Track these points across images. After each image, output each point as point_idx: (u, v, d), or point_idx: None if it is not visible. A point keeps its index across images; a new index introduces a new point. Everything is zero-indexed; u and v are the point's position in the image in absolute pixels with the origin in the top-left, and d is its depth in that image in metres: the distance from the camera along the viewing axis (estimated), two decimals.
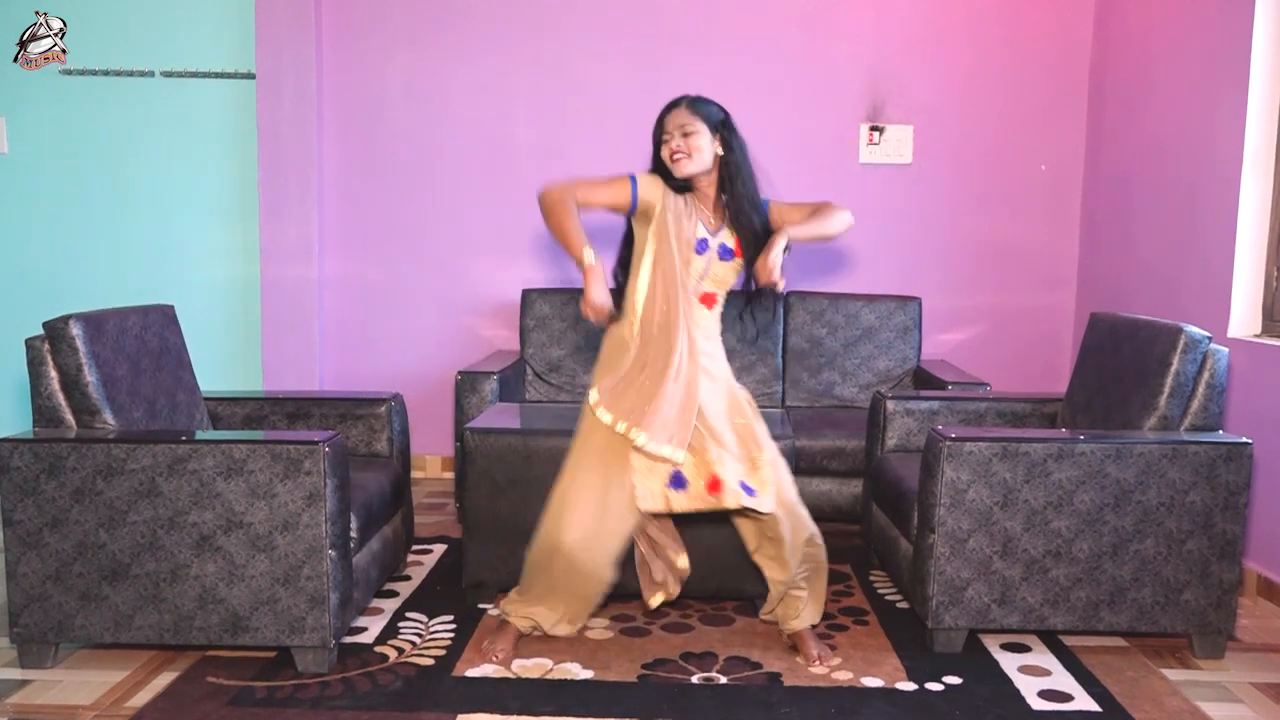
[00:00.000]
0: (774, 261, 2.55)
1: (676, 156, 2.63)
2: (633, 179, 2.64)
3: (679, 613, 3.13)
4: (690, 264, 2.66)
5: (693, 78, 4.68)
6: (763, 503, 2.62)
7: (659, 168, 2.70)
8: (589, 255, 2.54)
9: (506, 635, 2.84)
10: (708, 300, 2.72)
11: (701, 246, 2.67)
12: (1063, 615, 2.82)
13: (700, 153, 2.64)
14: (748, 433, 2.69)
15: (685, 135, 2.63)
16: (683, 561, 2.88)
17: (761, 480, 2.64)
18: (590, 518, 2.64)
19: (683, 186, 2.68)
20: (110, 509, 2.61)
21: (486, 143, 4.82)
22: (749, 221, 2.69)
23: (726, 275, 2.73)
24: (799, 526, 2.76)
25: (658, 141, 2.69)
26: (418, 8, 4.76)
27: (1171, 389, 2.88)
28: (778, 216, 2.73)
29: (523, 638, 2.89)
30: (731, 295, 2.80)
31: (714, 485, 2.59)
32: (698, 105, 2.69)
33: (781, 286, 2.60)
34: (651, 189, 2.65)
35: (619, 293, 2.72)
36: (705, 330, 2.71)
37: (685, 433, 2.55)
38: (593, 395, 2.63)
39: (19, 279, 4.82)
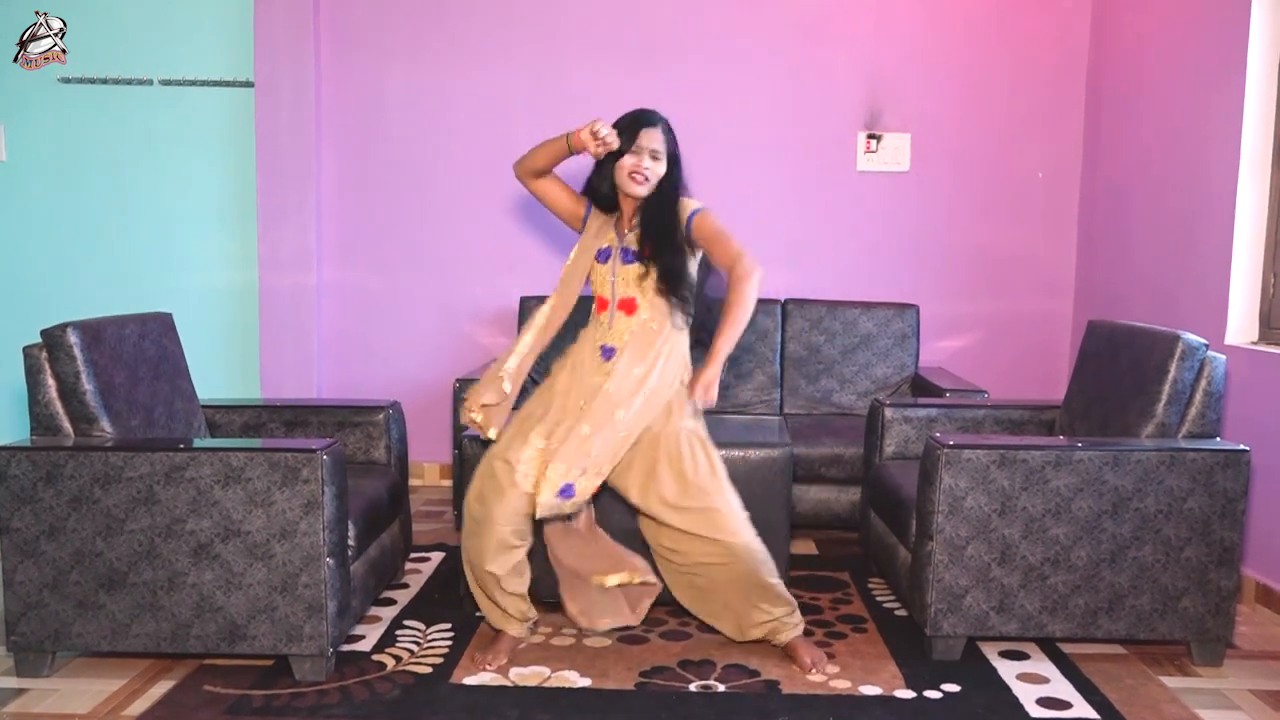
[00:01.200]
0: (710, 380, 2.62)
1: (637, 177, 2.68)
2: (589, 204, 2.80)
3: (677, 621, 3.13)
4: (586, 272, 2.77)
5: (690, 86, 4.70)
6: (561, 505, 2.63)
7: (598, 175, 2.77)
8: (580, 131, 2.64)
9: (500, 644, 2.84)
10: (626, 306, 2.74)
11: (603, 255, 2.76)
12: (1061, 623, 2.82)
13: (655, 178, 2.71)
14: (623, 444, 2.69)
15: (654, 159, 2.69)
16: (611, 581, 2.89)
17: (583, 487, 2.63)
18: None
19: (608, 206, 2.78)
20: (108, 517, 2.61)
21: (485, 151, 4.83)
22: (657, 215, 2.72)
23: (634, 277, 2.74)
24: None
25: (618, 150, 2.68)
26: (416, 16, 4.77)
27: (1169, 396, 2.88)
28: (699, 231, 2.71)
29: (519, 644, 2.88)
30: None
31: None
32: (669, 130, 2.74)
33: (713, 403, 2.66)
34: (592, 220, 2.82)
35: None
36: (629, 336, 2.72)
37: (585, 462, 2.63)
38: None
39: (17, 287, 4.82)
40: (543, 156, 2.78)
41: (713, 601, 2.86)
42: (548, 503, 2.60)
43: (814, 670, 2.76)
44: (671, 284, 2.70)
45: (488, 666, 2.77)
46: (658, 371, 2.71)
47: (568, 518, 2.86)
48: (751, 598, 2.78)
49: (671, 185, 2.75)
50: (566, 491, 2.60)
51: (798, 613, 2.86)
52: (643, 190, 2.70)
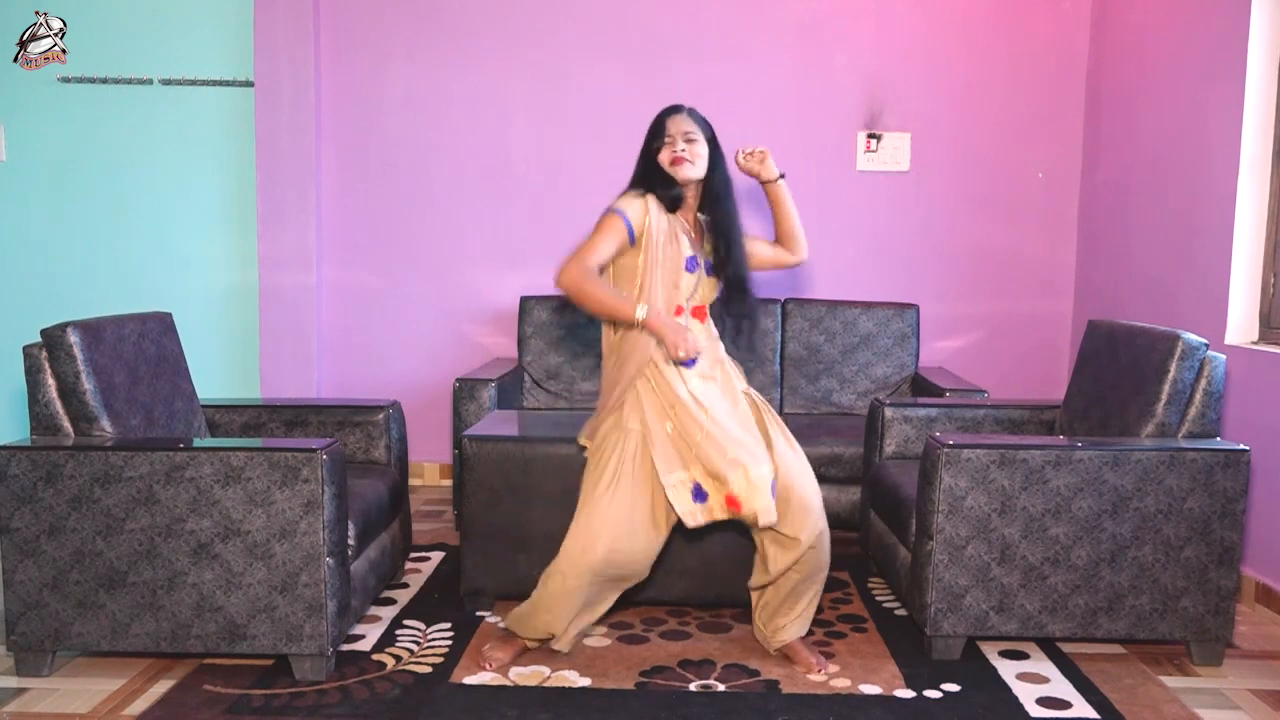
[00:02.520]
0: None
1: (680, 161, 2.64)
2: (620, 215, 2.62)
3: (677, 620, 3.13)
4: (680, 283, 2.69)
5: (690, 86, 4.70)
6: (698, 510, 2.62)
7: (646, 174, 2.70)
8: (640, 311, 2.55)
9: (510, 646, 2.83)
10: (700, 314, 2.76)
11: (691, 264, 2.70)
12: (1061, 622, 2.82)
13: (701, 160, 2.67)
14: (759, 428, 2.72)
15: (689, 141, 2.65)
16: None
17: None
18: (620, 535, 2.62)
19: (673, 202, 2.69)
20: (108, 517, 2.61)
21: (484, 150, 4.83)
22: (726, 230, 2.73)
23: (712, 290, 2.78)
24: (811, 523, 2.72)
25: (653, 146, 2.69)
26: (416, 16, 4.77)
27: (1169, 396, 2.88)
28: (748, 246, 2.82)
29: (526, 651, 2.87)
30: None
31: (731, 503, 2.58)
32: (697, 115, 2.73)
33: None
34: (637, 214, 2.64)
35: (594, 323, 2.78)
36: (704, 343, 2.72)
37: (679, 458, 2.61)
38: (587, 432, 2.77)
39: (17, 286, 4.82)
40: (596, 306, 2.60)
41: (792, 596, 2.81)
42: (691, 510, 2.60)
43: (820, 671, 2.76)
44: (741, 299, 2.80)
45: (490, 665, 2.76)
46: (722, 356, 2.79)
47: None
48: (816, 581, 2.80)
49: (728, 190, 2.75)
50: (699, 494, 2.61)
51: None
52: (692, 172, 2.65)
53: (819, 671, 2.76)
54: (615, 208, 2.64)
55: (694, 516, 2.60)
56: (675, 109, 2.71)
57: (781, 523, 2.62)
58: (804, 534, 2.65)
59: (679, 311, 2.71)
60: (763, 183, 2.79)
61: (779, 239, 2.88)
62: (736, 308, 2.81)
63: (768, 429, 2.72)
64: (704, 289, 2.75)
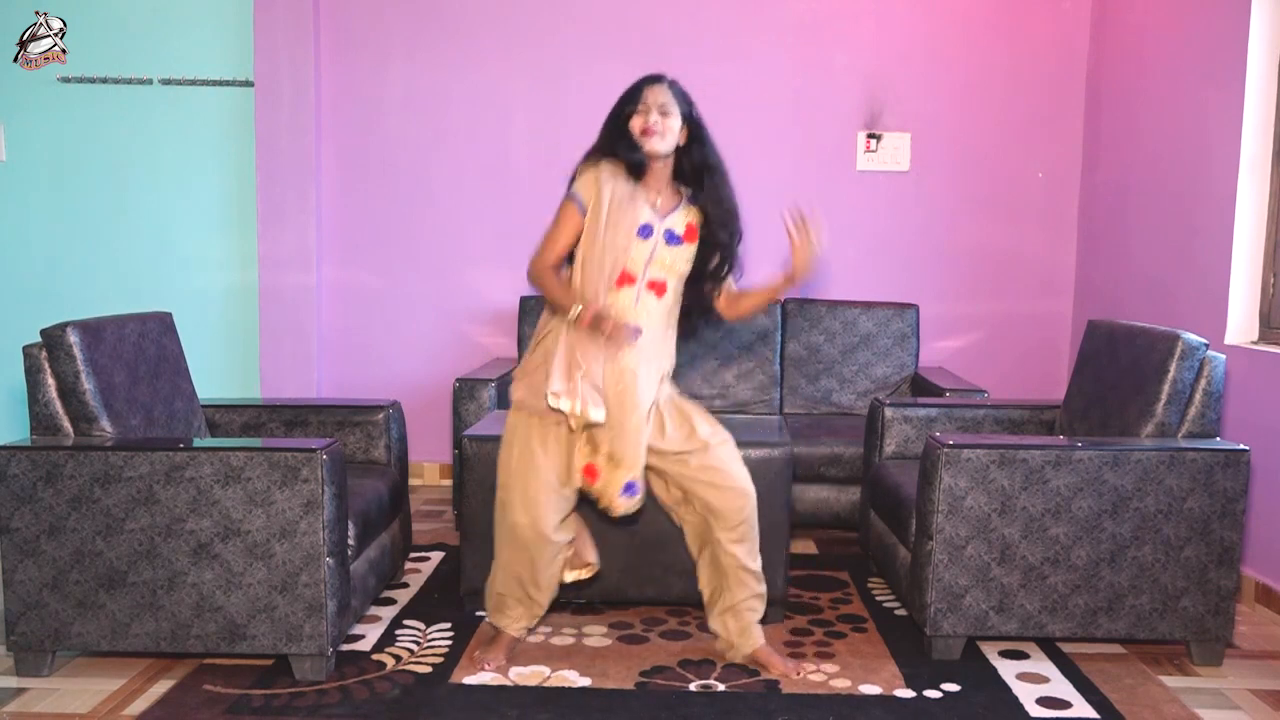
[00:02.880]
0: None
1: (650, 133, 2.59)
2: (574, 200, 2.62)
3: (677, 620, 3.13)
4: (629, 249, 2.61)
5: (690, 86, 4.65)
6: (632, 504, 2.63)
7: (611, 137, 2.65)
8: (574, 310, 2.55)
9: (499, 644, 2.83)
10: (656, 288, 2.66)
11: (645, 231, 2.63)
12: (1061, 622, 2.82)
13: (671, 134, 2.62)
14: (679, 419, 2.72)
15: (663, 114, 2.60)
16: (591, 557, 2.91)
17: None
18: (534, 498, 2.65)
19: (636, 168, 2.63)
20: (107, 517, 2.61)
21: (484, 151, 4.83)
22: (721, 197, 2.69)
23: (675, 261, 2.67)
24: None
25: (624, 112, 2.63)
26: (416, 17, 4.77)
27: (1169, 396, 2.88)
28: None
29: (518, 644, 2.88)
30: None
31: (589, 472, 2.63)
32: (677, 88, 2.67)
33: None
34: (587, 188, 2.62)
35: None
36: (653, 319, 2.66)
37: (581, 394, 2.56)
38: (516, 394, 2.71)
39: (17, 286, 4.82)
40: (548, 298, 2.69)
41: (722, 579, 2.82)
42: (623, 503, 2.62)
43: (798, 674, 2.74)
44: (722, 272, 2.75)
45: (487, 666, 2.77)
46: (670, 348, 2.75)
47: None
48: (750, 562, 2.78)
49: (716, 162, 2.70)
50: (631, 489, 2.62)
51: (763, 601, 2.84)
52: (660, 145, 2.60)
53: (798, 674, 2.74)
54: (571, 192, 2.65)
55: (627, 507, 2.64)
56: (656, 78, 2.67)
57: (721, 501, 2.69)
58: (736, 509, 2.70)
59: (630, 280, 2.63)
60: (786, 276, 2.74)
61: (731, 307, 2.85)
62: (719, 268, 2.74)
63: (692, 423, 2.72)
64: (665, 260, 2.66)
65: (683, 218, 2.69)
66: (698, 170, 2.69)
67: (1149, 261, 4.15)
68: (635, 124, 2.61)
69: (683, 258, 2.69)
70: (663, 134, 2.60)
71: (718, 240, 2.71)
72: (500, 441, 2.76)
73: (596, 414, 2.54)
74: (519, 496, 2.66)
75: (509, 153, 4.83)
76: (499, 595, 2.82)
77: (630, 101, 2.64)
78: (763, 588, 2.82)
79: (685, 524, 2.84)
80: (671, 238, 2.66)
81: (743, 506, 2.71)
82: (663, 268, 2.66)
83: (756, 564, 2.79)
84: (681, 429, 2.72)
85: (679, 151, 2.67)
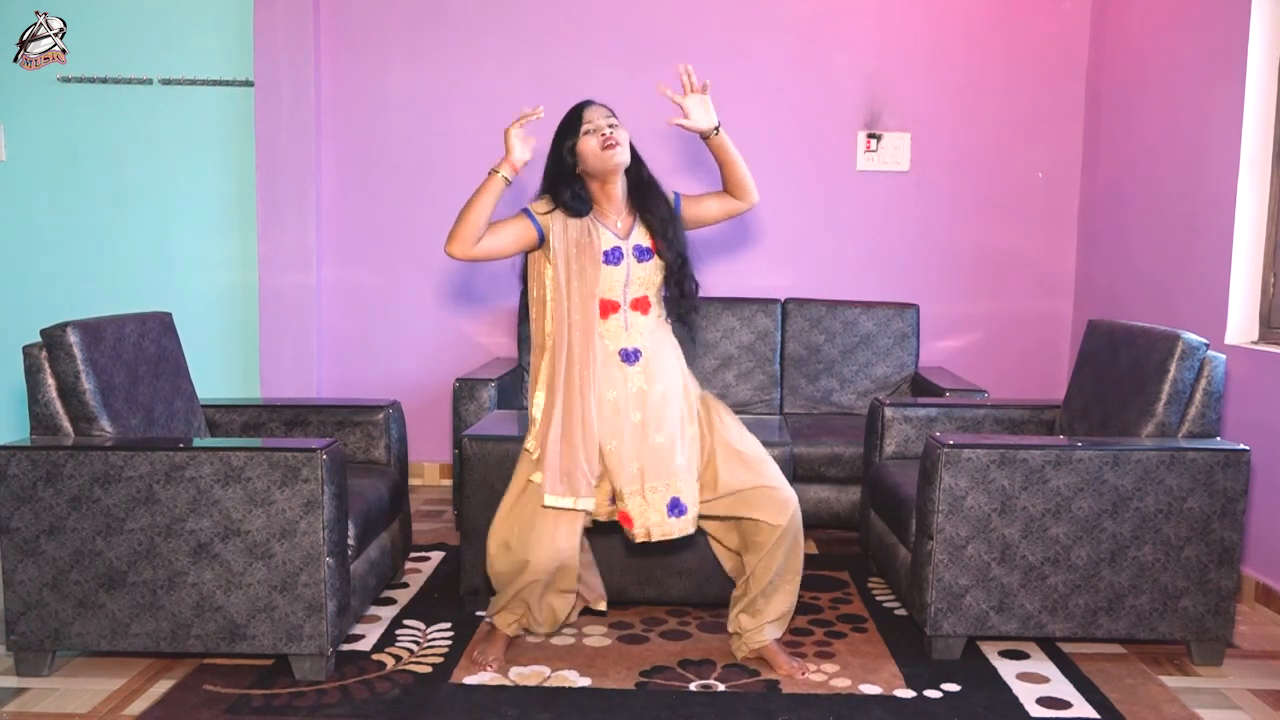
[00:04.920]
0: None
1: (610, 143, 2.55)
2: (526, 212, 2.63)
3: (677, 620, 3.13)
4: (598, 281, 2.60)
5: None
6: (685, 525, 2.61)
7: (555, 176, 2.64)
8: (505, 169, 2.58)
9: (496, 642, 2.83)
10: (640, 305, 2.67)
11: (614, 256, 2.62)
12: (1061, 622, 2.82)
13: (626, 143, 2.59)
14: (693, 444, 2.68)
15: (612, 126, 2.59)
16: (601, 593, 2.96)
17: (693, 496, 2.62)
18: (548, 534, 2.64)
19: (579, 206, 2.61)
20: (107, 516, 2.61)
21: (484, 151, 4.77)
22: (656, 207, 2.66)
23: (651, 275, 2.67)
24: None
25: (565, 143, 2.61)
26: (416, 17, 4.77)
27: (1169, 396, 2.88)
28: (693, 207, 2.73)
29: (513, 642, 2.88)
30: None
31: (624, 519, 2.63)
32: (607, 107, 2.67)
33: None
34: (546, 218, 2.63)
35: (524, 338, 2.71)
36: (646, 337, 2.67)
37: (581, 481, 2.58)
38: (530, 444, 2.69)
39: (17, 286, 4.82)
40: (483, 207, 2.61)
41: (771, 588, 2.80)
42: (664, 523, 2.58)
43: (802, 674, 2.74)
44: (687, 274, 2.69)
45: (490, 665, 2.77)
46: (677, 357, 2.73)
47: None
48: (787, 575, 2.77)
49: (648, 173, 2.69)
50: (677, 507, 2.59)
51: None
52: (622, 155, 2.57)
53: (801, 675, 2.73)
54: (528, 209, 2.66)
55: (672, 529, 2.61)
56: (587, 102, 2.65)
57: (753, 511, 2.67)
58: (775, 518, 2.67)
59: (615, 307, 2.63)
60: (703, 137, 2.60)
61: (728, 190, 2.69)
62: (677, 289, 2.70)
63: (713, 437, 2.69)
64: (641, 276, 2.65)
65: (644, 232, 2.68)
66: (642, 186, 2.68)
67: (1149, 261, 4.15)
68: (589, 144, 2.58)
69: (656, 269, 2.68)
70: (622, 143, 2.58)
71: (665, 253, 2.66)
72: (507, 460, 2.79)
73: (584, 503, 2.59)
74: (531, 536, 2.65)
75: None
76: (496, 597, 2.83)
77: (571, 130, 2.61)
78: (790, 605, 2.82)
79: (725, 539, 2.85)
80: (642, 253, 2.66)
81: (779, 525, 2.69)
82: (641, 285, 2.67)
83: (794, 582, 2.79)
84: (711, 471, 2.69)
85: (631, 172, 2.66)
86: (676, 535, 2.61)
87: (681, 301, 2.71)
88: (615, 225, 2.66)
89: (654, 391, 2.64)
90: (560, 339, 2.61)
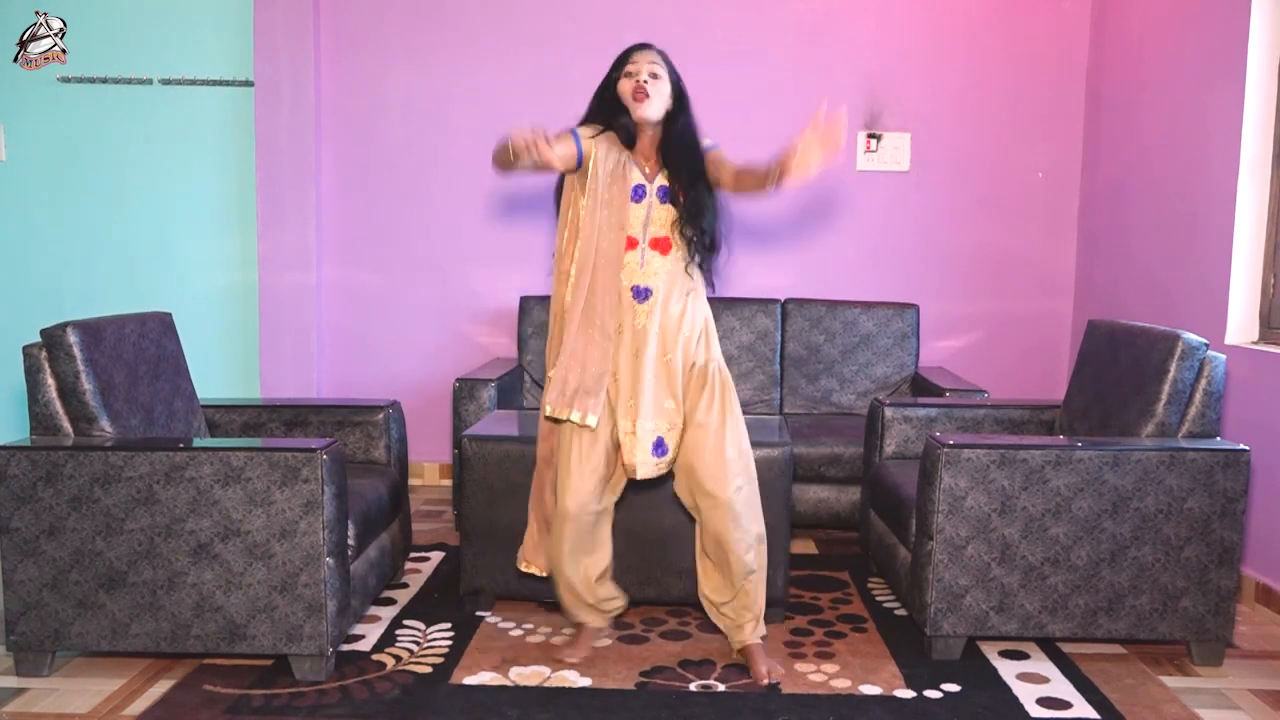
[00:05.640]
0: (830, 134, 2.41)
1: (640, 95, 2.59)
2: (574, 133, 2.66)
3: (677, 620, 3.13)
4: (627, 213, 2.65)
5: (690, 85, 4.68)
6: (660, 464, 2.66)
7: (601, 105, 2.68)
8: (511, 142, 2.47)
9: (584, 636, 2.87)
10: (660, 245, 2.69)
11: (638, 193, 2.66)
12: (1061, 622, 2.82)
13: (662, 98, 2.63)
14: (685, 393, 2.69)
15: (654, 76, 2.61)
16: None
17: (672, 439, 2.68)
18: (578, 484, 2.71)
19: (628, 135, 2.66)
20: (107, 517, 2.61)
21: (484, 150, 4.75)
22: (683, 155, 2.66)
23: (671, 217, 2.69)
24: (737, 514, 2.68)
25: (613, 76, 2.66)
26: (416, 17, 4.77)
27: (1169, 396, 2.88)
28: (714, 167, 2.70)
29: (600, 634, 2.93)
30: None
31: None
32: (666, 56, 2.69)
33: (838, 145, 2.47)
34: (590, 143, 2.67)
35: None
36: (661, 278, 2.68)
37: (588, 400, 2.64)
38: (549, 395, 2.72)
39: (17, 286, 4.82)
40: (508, 157, 2.57)
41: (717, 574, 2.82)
42: (647, 462, 2.64)
43: (769, 679, 2.70)
44: (700, 221, 2.66)
45: (568, 660, 2.79)
46: (692, 308, 2.73)
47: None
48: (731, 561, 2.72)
49: (687, 122, 2.70)
50: (660, 448, 2.65)
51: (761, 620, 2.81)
52: (649, 110, 2.61)
53: (771, 678, 2.69)
54: (575, 130, 2.68)
55: (652, 467, 2.68)
56: (644, 45, 2.69)
57: (703, 479, 2.66)
58: (719, 489, 2.65)
59: (634, 244, 2.67)
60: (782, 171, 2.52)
61: (749, 184, 2.65)
62: (690, 232, 2.68)
63: (699, 393, 2.68)
64: (662, 218, 2.68)
65: (667, 176, 2.71)
66: (677, 133, 2.69)
67: (1149, 261, 4.15)
68: (625, 86, 2.62)
69: (676, 211, 2.70)
70: (652, 96, 2.60)
71: (683, 197, 2.68)
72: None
73: (590, 420, 2.64)
74: (565, 483, 2.72)
75: None
76: (559, 598, 2.90)
77: (619, 67, 2.66)
78: (751, 599, 2.76)
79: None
80: (664, 194, 2.69)
81: (712, 506, 2.67)
82: (662, 225, 2.69)
83: (746, 568, 2.72)
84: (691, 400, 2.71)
85: (665, 122, 2.68)
86: (653, 475, 2.68)
87: (699, 239, 2.68)
88: (644, 167, 2.71)
89: (652, 331, 2.66)
90: (585, 266, 2.66)
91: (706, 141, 2.75)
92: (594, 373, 2.65)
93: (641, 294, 2.68)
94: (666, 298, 2.69)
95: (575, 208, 2.72)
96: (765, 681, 2.68)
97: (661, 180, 2.70)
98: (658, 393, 2.67)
